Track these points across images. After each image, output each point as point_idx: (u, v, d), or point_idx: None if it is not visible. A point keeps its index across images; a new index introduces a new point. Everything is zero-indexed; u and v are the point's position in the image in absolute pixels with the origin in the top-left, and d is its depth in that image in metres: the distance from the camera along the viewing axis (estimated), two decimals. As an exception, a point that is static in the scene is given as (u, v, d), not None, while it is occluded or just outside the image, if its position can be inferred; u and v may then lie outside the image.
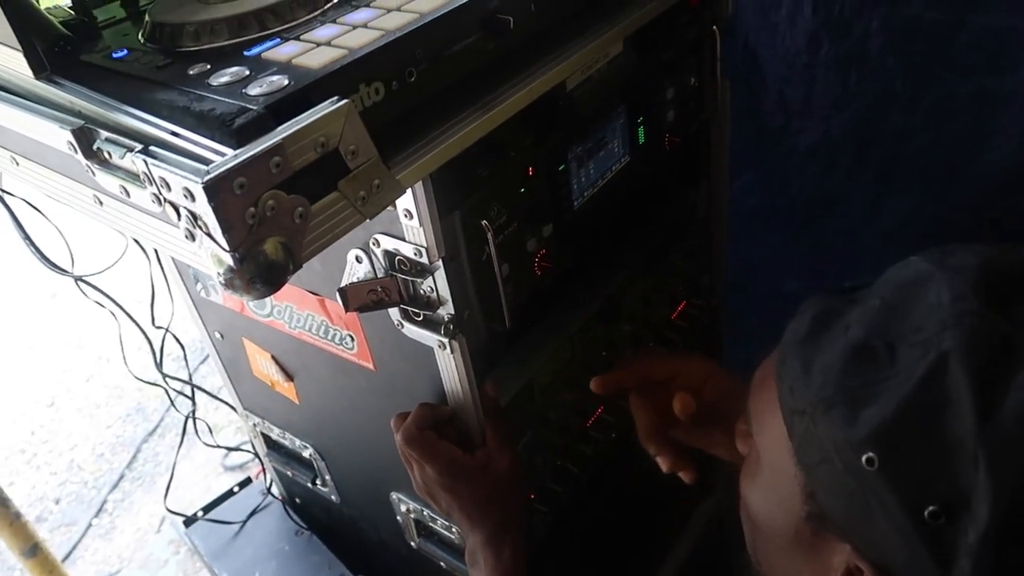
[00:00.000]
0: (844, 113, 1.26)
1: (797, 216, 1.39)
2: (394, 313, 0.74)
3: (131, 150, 0.52)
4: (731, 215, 1.19)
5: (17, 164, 0.69)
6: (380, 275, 0.71)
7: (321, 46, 0.58)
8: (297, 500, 1.32)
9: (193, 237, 0.48)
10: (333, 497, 1.15)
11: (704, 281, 1.17)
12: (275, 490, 1.36)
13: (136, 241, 0.94)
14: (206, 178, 0.44)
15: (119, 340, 1.12)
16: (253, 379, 1.07)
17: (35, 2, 0.63)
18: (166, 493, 1.35)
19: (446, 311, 0.70)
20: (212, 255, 0.48)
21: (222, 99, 0.53)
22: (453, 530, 0.91)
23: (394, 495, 0.97)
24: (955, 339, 0.44)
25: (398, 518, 1.00)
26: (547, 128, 0.75)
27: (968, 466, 0.42)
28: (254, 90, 0.53)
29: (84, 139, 0.56)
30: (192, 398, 1.23)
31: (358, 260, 0.72)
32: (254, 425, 1.18)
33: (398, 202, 0.64)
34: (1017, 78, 1.11)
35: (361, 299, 0.71)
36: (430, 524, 0.96)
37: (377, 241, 0.69)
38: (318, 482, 1.14)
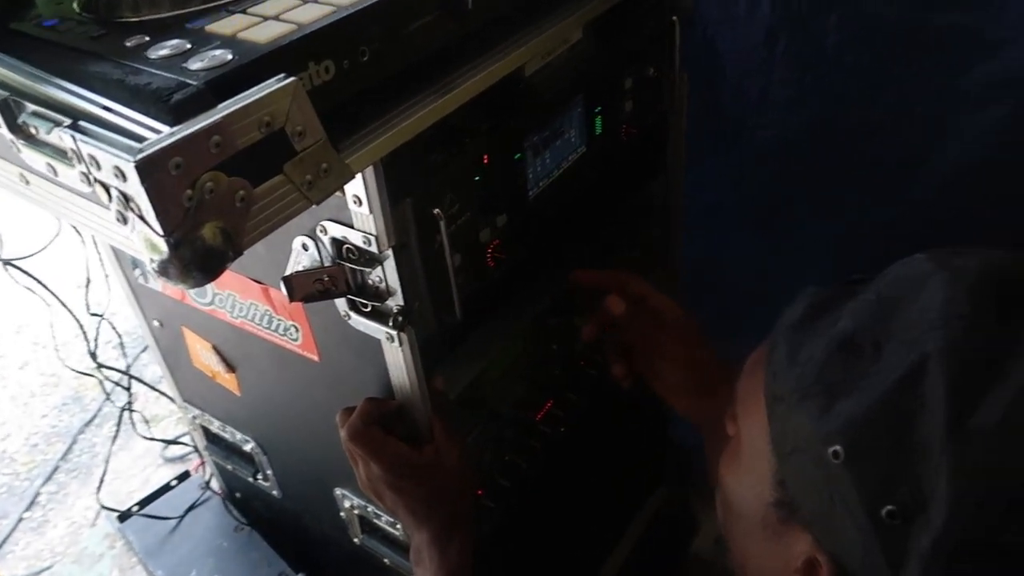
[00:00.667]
0: (801, 109, 1.26)
1: (753, 211, 1.40)
2: (341, 303, 0.71)
3: (59, 124, 0.48)
4: (688, 209, 1.18)
5: (-64, 137, 0.65)
6: (327, 264, 0.69)
7: (269, 20, 0.54)
8: (237, 495, 1.28)
9: (125, 220, 0.45)
10: (275, 492, 1.12)
11: (660, 275, 1.17)
12: (214, 484, 1.32)
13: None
14: (139, 156, 0.41)
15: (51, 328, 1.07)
16: (193, 370, 1.03)
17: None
18: (99, 486, 1.30)
19: (395, 302, 0.68)
20: (145, 240, 0.45)
21: (160, 73, 0.49)
22: (398, 527, 0.89)
23: (338, 490, 0.95)
24: (939, 341, 0.43)
25: (341, 514, 0.97)
26: (504, 115, 0.73)
27: (931, 472, 0.41)
28: (195, 64, 0.50)
29: (9, 112, 0.51)
30: (128, 389, 1.18)
31: (304, 248, 0.69)
32: (193, 417, 1.14)
33: (347, 188, 0.61)
34: (971, 79, 1.12)
35: (306, 288, 0.68)
36: (374, 520, 0.93)
37: (324, 228, 0.67)
38: (259, 476, 1.11)
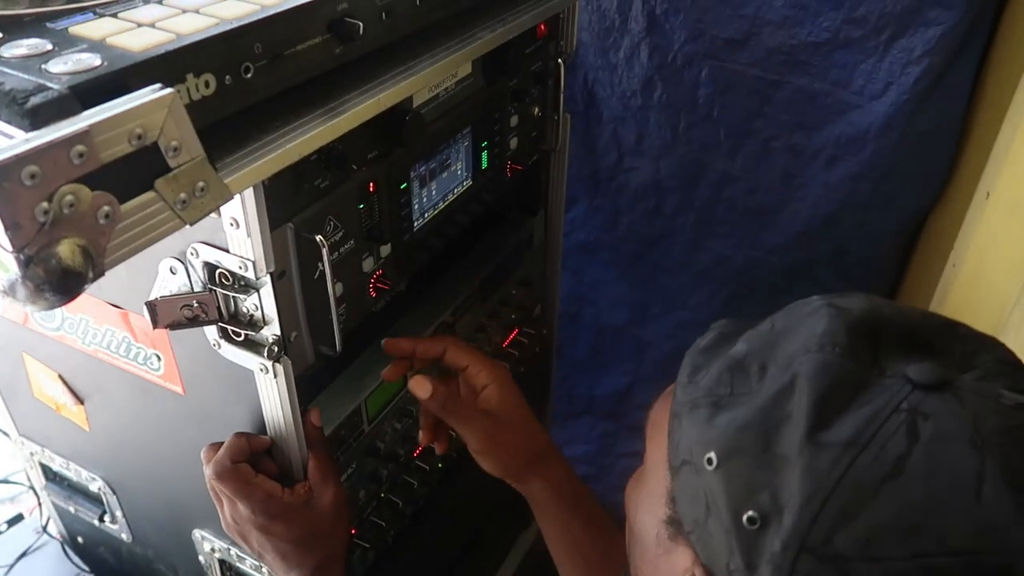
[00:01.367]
0: (672, 155, 1.32)
1: (625, 251, 1.44)
2: (210, 332, 0.67)
3: None
4: (564, 246, 1.20)
5: None
6: (197, 289, 0.64)
7: (144, 27, 0.51)
8: (79, 539, 1.17)
9: (-33, 233, 0.40)
10: (124, 536, 1.03)
11: (537, 311, 1.17)
12: (52, 528, 1.20)
13: None
14: (-14, 163, 0.37)
15: None
16: (34, 401, 0.93)
17: None
18: (-86, 532, 1.15)
19: (271, 331, 0.65)
20: (-9, 256, 0.40)
21: (14, 73, 0.44)
22: (264, 571, 0.84)
23: (197, 532, 0.88)
24: (813, 363, 0.46)
25: (200, 558, 0.91)
26: (392, 143, 0.72)
27: (788, 479, 0.44)
28: (56, 67, 0.45)
29: None
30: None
31: (172, 271, 0.65)
32: (31, 454, 1.03)
33: (223, 209, 0.58)
34: (822, 137, 1.21)
35: (173, 315, 0.63)
36: (237, 564, 0.87)
37: (196, 251, 0.62)
38: (107, 518, 1.02)
